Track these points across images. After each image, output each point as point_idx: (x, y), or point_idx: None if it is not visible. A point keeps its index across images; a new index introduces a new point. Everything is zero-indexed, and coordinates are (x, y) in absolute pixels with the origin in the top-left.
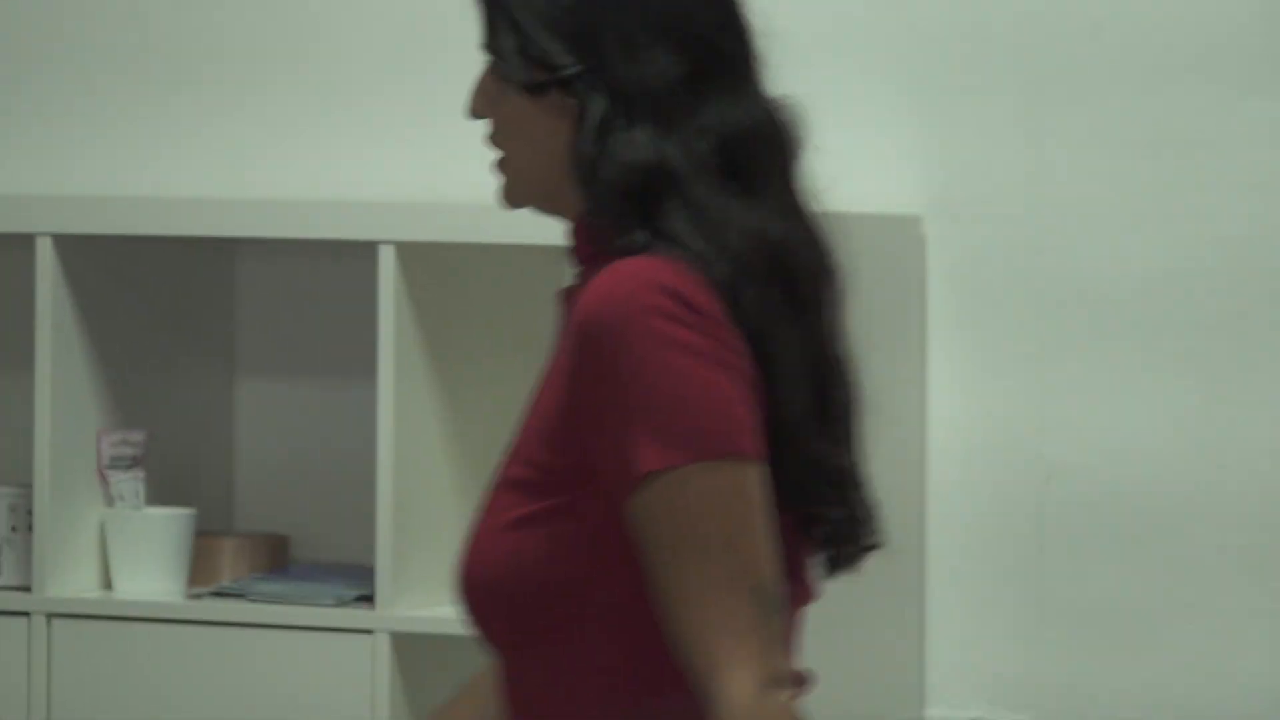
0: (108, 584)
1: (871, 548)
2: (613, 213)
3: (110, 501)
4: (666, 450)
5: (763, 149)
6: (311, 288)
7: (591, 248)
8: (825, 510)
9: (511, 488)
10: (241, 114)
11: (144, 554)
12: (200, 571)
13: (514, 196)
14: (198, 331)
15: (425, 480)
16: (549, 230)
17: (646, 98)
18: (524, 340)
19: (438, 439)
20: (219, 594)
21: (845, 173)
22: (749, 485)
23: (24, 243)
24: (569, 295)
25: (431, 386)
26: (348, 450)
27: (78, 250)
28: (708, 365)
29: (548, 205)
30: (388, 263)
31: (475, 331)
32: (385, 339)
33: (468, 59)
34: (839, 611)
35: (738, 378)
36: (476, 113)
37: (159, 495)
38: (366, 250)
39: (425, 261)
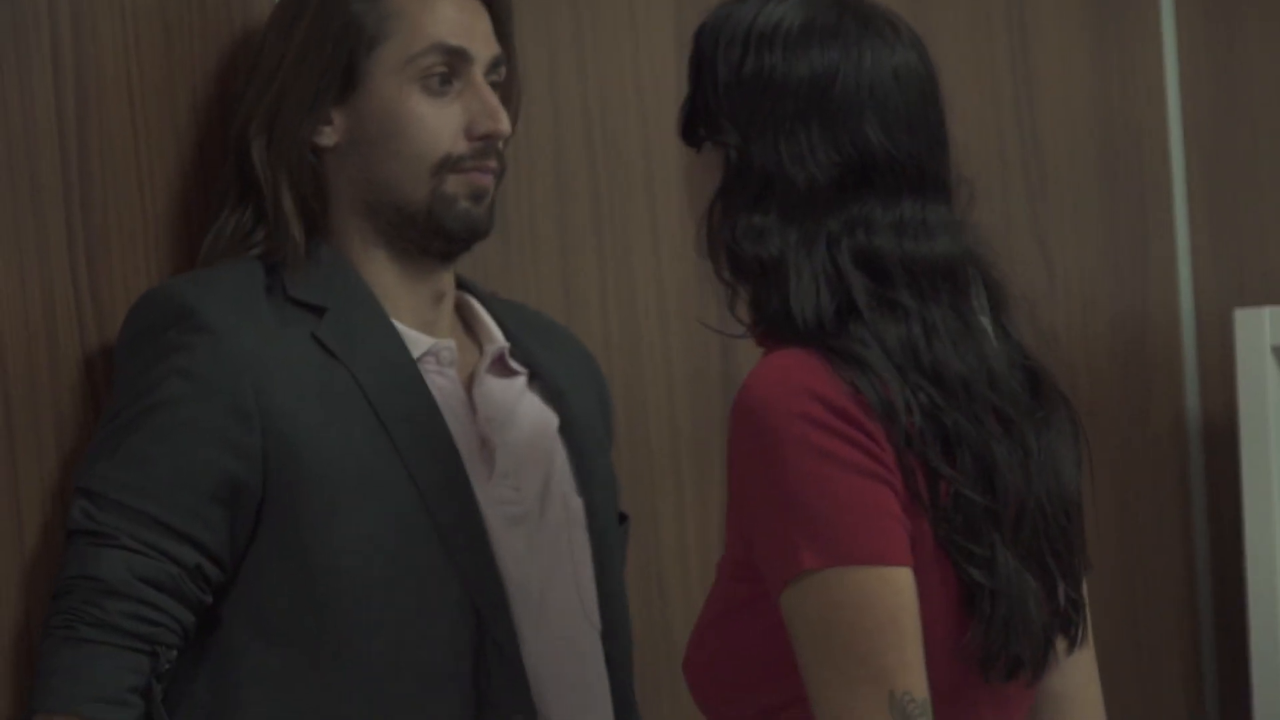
0: None
1: (1016, 660)
2: (749, 292)
3: None
4: (814, 552)
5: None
6: None
7: (758, 331)
8: (979, 609)
9: (723, 577)
10: None
11: None
12: None
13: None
14: None
15: None
16: None
17: (791, 186)
18: None
19: None
20: None
21: None
22: (893, 591)
23: None
24: None
25: None
26: None
27: None
28: (854, 474)
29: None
30: None
31: None
32: None
33: None
34: None
35: (882, 484)
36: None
37: None
38: None
39: None
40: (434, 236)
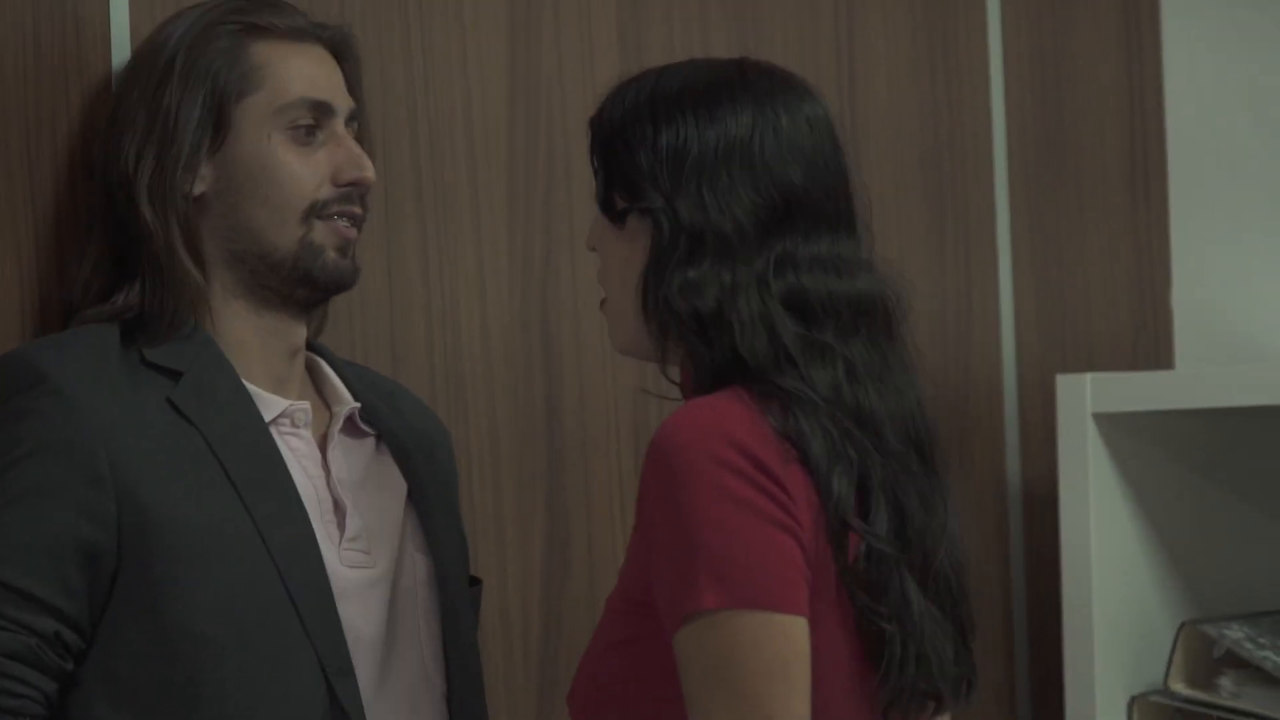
0: None
1: (934, 697)
2: (689, 347)
3: None
4: (713, 593)
5: (850, 309)
6: None
7: (696, 390)
8: (889, 655)
9: (612, 612)
10: None
11: None
12: None
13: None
14: None
15: None
16: None
17: (716, 235)
18: None
19: None
20: None
21: None
22: (787, 640)
23: None
24: None
25: None
26: None
27: None
28: (761, 521)
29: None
30: None
31: None
32: None
33: None
34: None
35: (789, 536)
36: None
37: None
38: None
39: None
40: (298, 285)
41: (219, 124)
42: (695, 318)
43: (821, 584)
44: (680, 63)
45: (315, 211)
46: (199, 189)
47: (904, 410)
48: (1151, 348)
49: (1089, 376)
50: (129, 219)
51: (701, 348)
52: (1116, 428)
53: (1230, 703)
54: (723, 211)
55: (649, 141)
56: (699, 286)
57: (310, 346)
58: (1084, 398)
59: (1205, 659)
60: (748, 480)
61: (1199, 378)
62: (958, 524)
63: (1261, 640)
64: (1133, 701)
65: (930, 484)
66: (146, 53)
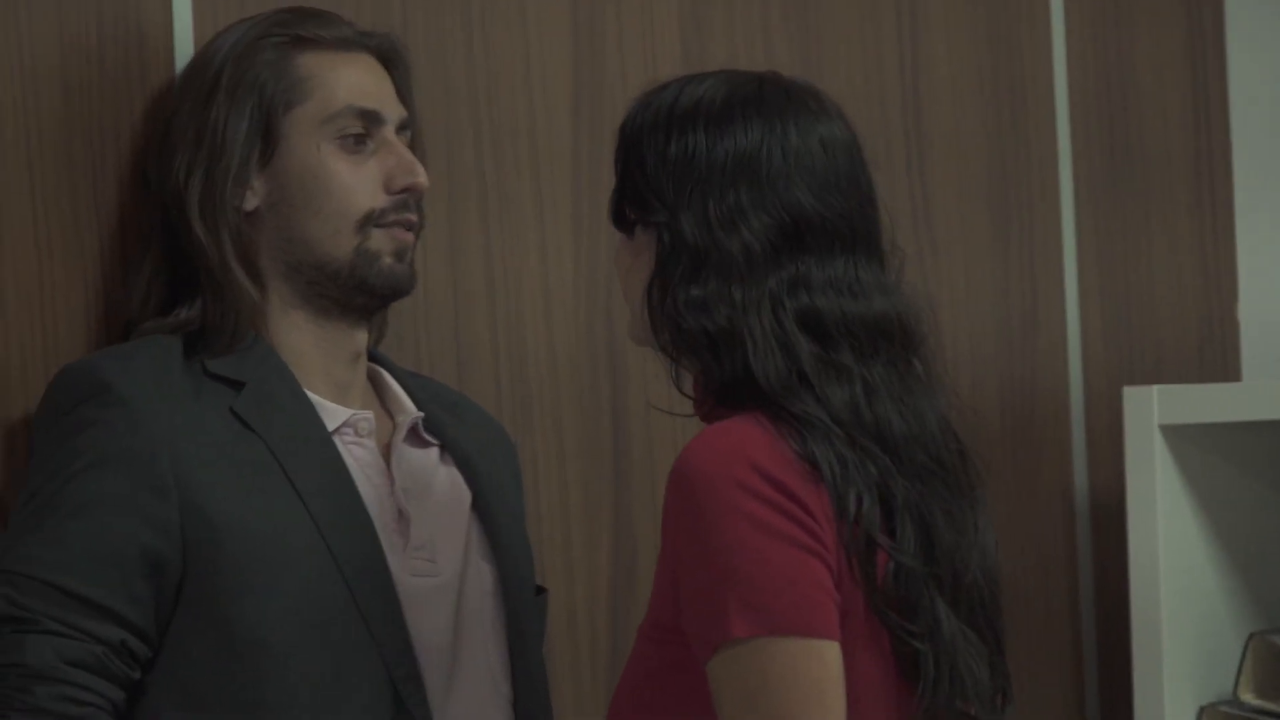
0: None
1: (970, 716)
2: (700, 364)
3: None
4: (743, 621)
5: (867, 332)
6: None
7: (707, 404)
8: (924, 675)
9: (644, 640)
10: None
11: None
12: None
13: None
14: None
15: None
16: None
17: (729, 255)
18: None
19: None
20: None
21: None
22: (820, 664)
23: None
24: None
25: None
26: None
27: None
28: (787, 545)
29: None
30: None
31: None
32: None
33: None
34: None
35: (816, 559)
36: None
37: None
38: None
39: None
40: (356, 292)
41: (268, 136)
42: (705, 335)
43: (851, 605)
44: (706, 74)
45: (372, 220)
46: (251, 203)
47: (926, 430)
48: (1218, 359)
49: (1156, 389)
50: (183, 234)
51: (712, 364)
52: (1183, 439)
53: None
54: (728, 230)
55: (660, 152)
56: (705, 305)
57: (372, 357)
58: (1151, 410)
59: (1275, 669)
60: (771, 504)
61: (1266, 390)
62: (992, 538)
63: None
64: (1201, 712)
65: (958, 502)
66: (195, 68)
